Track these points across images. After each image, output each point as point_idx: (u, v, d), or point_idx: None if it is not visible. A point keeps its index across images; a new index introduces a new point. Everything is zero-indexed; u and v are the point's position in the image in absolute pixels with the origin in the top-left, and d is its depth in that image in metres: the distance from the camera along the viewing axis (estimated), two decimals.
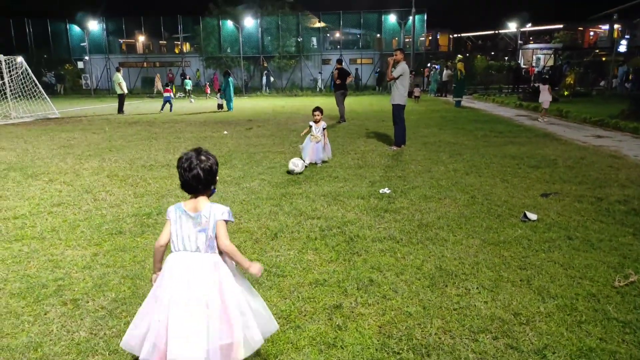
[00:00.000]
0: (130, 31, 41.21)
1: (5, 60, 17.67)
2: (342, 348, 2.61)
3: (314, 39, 39.88)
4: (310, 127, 7.77)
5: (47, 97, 18.57)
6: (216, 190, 2.40)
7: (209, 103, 23.98)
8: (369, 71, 37.63)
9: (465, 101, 22.15)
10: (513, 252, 3.97)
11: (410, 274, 3.56)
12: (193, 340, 2.08)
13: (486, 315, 2.94)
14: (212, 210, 2.21)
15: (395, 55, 8.94)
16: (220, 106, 21.38)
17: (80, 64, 41.08)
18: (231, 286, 2.21)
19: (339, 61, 15.48)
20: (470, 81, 29.80)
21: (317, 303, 3.12)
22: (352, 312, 3.01)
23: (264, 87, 35.03)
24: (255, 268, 2.30)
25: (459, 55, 35.50)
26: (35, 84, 18.36)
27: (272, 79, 36.16)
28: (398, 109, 9.30)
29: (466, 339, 2.70)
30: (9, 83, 17.88)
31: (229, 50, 37.62)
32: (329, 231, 4.50)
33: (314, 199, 5.62)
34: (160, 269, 2.31)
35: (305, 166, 7.27)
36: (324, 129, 7.70)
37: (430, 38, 44.83)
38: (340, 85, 14.62)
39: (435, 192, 5.93)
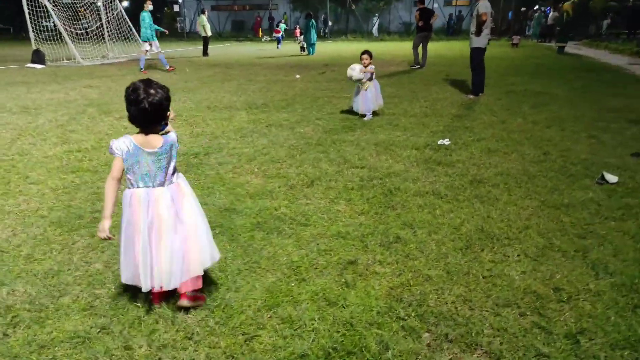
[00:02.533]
0: None
1: (103, 3, 18.69)
2: (343, 307, 2.41)
3: None
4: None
5: (139, 39, 19.46)
6: (167, 126, 2.26)
7: (294, 47, 23.81)
8: (465, 13, 34.79)
9: (572, 47, 19.75)
10: (575, 217, 3.43)
11: (445, 233, 3.21)
12: (174, 266, 2.25)
13: (519, 287, 2.55)
14: (172, 140, 2.21)
15: None
16: (302, 49, 21.29)
17: (176, 7, 42.57)
18: (195, 207, 2.35)
19: (421, 1, 14.29)
20: (580, 23, 26.31)
21: (332, 256, 2.92)
22: (367, 269, 2.77)
23: (322, 31, 33.95)
24: None
25: None
26: (129, 26, 19.28)
27: (330, 23, 35.07)
28: (477, 53, 8.41)
29: (486, 311, 2.37)
30: (106, 25, 19.00)
31: None
32: (369, 182, 4.21)
33: (364, 147, 5.31)
34: (109, 216, 2.23)
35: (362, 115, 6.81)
36: (372, 74, 6.81)
37: None
38: (423, 27, 13.57)
39: (503, 145, 5.32)
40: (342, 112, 7.33)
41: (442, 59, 16.23)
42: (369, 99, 6.82)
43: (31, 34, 16.11)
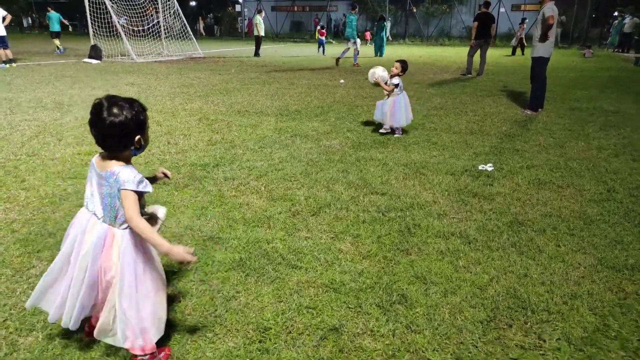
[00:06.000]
0: None
1: (160, 1, 19.02)
2: None
3: None
4: (385, 82, 6.06)
5: (193, 38, 19.67)
6: (141, 152, 1.93)
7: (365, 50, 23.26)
8: (533, 19, 32.77)
9: None
10: None
11: (465, 295, 2.53)
12: (68, 307, 1.89)
13: None
14: (118, 174, 1.79)
15: None
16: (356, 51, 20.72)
17: (238, 8, 43.30)
18: (131, 273, 1.86)
19: (486, 4, 13.26)
20: None
21: (313, 317, 2.33)
22: (352, 342, 2.16)
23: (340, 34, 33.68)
24: (177, 253, 1.80)
25: None
26: (185, 25, 19.50)
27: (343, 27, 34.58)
28: (539, 63, 7.49)
29: None
30: (163, 22, 19.34)
31: None
32: (386, 214, 3.57)
33: (391, 168, 4.66)
34: None
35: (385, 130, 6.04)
36: (395, 85, 5.87)
37: None
38: (482, 33, 12.58)
39: (558, 176, 4.49)
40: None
41: (500, 67, 15.10)
42: (392, 111, 5.94)
43: (90, 30, 16.61)
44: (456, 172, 4.55)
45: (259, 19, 19.64)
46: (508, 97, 9.23)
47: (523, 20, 21.97)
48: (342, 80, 11.53)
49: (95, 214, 1.86)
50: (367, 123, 6.76)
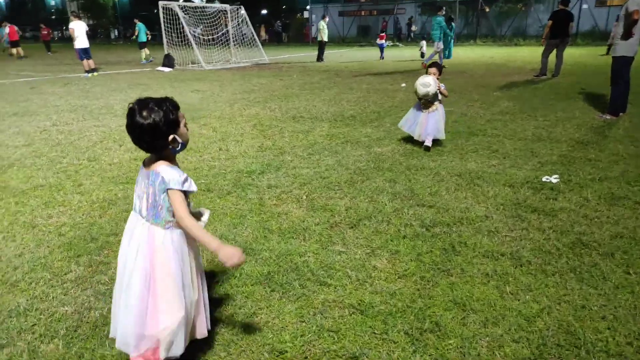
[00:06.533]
0: None
1: (230, 10, 19.68)
2: None
3: None
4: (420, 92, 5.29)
5: (259, 45, 20.16)
6: (182, 150, 1.87)
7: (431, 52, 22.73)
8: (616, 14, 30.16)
9: None
10: None
11: (508, 327, 2.24)
12: (124, 317, 1.86)
13: None
14: (163, 175, 1.79)
15: None
16: (422, 54, 20.18)
17: (306, 14, 43.94)
18: (165, 273, 1.84)
19: (565, 1, 12.30)
20: None
21: (334, 343, 2.17)
22: None
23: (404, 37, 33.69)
24: (225, 254, 1.78)
25: None
26: (252, 32, 20.02)
27: (414, 27, 34.21)
28: (621, 63, 6.77)
29: None
30: (232, 31, 19.98)
31: None
32: (430, 229, 3.31)
33: (443, 178, 4.36)
34: None
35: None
36: (439, 92, 5.26)
37: None
38: (559, 32, 11.69)
39: (635, 190, 3.97)
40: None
41: (582, 68, 13.95)
42: (431, 123, 5.32)
43: (164, 39, 17.53)
44: (515, 184, 4.16)
45: (322, 25, 19.74)
46: (585, 100, 8.45)
47: (618, 17, 20.19)
48: (403, 84, 11.20)
49: (140, 214, 1.87)
50: None
